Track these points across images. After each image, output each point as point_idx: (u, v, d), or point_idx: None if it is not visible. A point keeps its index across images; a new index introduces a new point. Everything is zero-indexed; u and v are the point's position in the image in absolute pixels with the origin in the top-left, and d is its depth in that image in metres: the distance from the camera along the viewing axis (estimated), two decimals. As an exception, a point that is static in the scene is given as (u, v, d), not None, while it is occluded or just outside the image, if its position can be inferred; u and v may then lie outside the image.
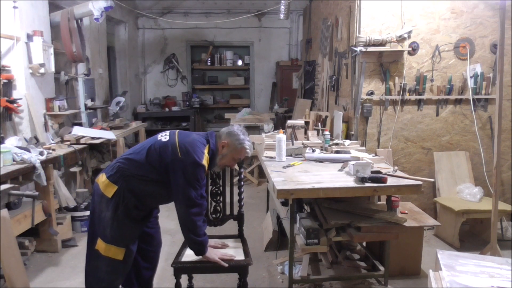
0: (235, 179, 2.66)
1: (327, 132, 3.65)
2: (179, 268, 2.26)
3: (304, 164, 3.03)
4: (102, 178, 2.17)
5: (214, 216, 2.60)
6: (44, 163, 3.22)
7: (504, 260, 2.01)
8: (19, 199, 3.02)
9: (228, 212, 2.62)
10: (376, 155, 3.34)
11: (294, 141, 3.59)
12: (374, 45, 3.66)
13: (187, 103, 7.75)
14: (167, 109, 7.61)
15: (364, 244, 3.24)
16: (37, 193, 2.46)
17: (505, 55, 3.38)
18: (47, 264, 3.27)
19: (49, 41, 4.09)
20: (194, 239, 2.16)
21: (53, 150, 3.59)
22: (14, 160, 3.02)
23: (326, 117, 4.42)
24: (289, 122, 3.84)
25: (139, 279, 2.41)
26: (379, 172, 2.62)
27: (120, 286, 2.39)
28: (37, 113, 3.85)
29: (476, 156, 3.95)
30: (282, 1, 5.79)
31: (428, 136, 3.94)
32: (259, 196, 5.11)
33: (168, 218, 4.06)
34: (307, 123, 4.24)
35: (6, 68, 3.57)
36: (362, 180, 2.47)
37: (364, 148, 3.60)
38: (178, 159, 2.07)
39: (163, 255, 3.32)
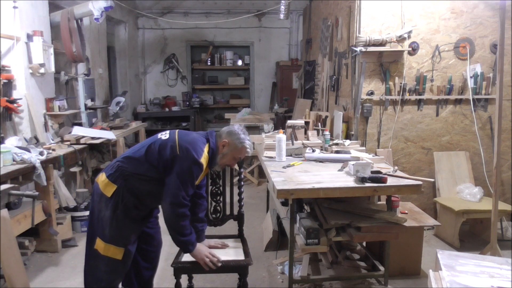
0: (235, 179, 2.66)
1: (327, 132, 3.65)
2: (179, 268, 2.26)
3: (304, 164, 3.03)
4: (101, 178, 2.17)
5: (214, 216, 2.60)
6: (44, 163, 3.22)
7: (504, 260, 2.01)
8: (19, 199, 3.02)
9: (228, 212, 2.62)
10: (376, 155, 3.34)
11: (294, 141, 3.59)
12: (374, 45, 3.66)
13: (187, 103, 7.75)
14: (167, 109, 7.61)
15: (364, 244, 3.24)
16: (37, 193, 2.46)
17: (505, 55, 3.38)
18: (47, 264, 3.27)
19: (49, 41, 4.09)
20: (178, 238, 2.15)
21: (53, 150, 3.59)
22: (14, 160, 3.02)
23: (326, 117, 4.42)
24: (289, 122, 3.84)
25: (139, 279, 2.40)
26: (379, 172, 2.62)
27: (121, 286, 2.39)
28: (37, 113, 3.85)
29: (476, 156, 3.95)
30: (282, 1, 5.79)
31: (428, 136, 3.94)
32: (259, 196, 5.11)
33: (168, 218, 4.05)
34: (307, 123, 4.24)
35: (6, 68, 3.57)
36: (362, 180, 2.47)
37: (364, 148, 3.60)
38: (177, 155, 2.07)
39: (163, 255, 3.32)
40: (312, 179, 2.56)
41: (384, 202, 2.80)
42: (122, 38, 7.05)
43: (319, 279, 2.84)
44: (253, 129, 5.68)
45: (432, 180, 3.61)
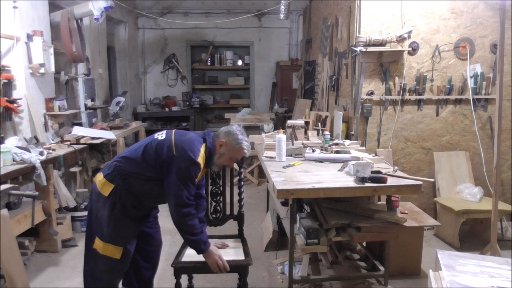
0: (235, 179, 2.66)
1: (327, 132, 3.65)
2: (179, 268, 2.26)
3: (304, 164, 3.03)
4: (99, 177, 2.18)
5: (214, 216, 2.60)
6: (44, 163, 3.22)
7: (504, 260, 2.01)
8: (19, 199, 3.02)
9: (228, 212, 2.62)
10: (376, 155, 3.34)
11: (294, 141, 3.59)
12: (374, 45, 3.66)
13: (187, 103, 7.75)
14: (167, 109, 7.61)
15: (364, 244, 3.24)
16: (37, 193, 2.46)
17: (505, 55, 3.38)
18: (47, 264, 3.27)
19: (49, 41, 4.09)
20: (189, 238, 2.16)
21: (53, 150, 3.59)
22: (14, 160, 3.02)
23: (326, 117, 4.42)
24: (289, 122, 3.84)
25: (138, 279, 2.40)
26: (379, 172, 2.62)
27: (121, 286, 2.39)
28: (37, 113, 3.85)
29: (476, 156, 3.95)
30: (282, 1, 5.79)
31: (428, 136, 3.94)
32: (259, 196, 5.10)
33: (168, 218, 4.02)
34: (307, 123, 4.25)
35: (6, 68, 3.57)
36: (362, 180, 2.47)
37: (364, 148, 3.60)
38: (173, 156, 2.07)
39: (163, 255, 3.32)
40: (312, 179, 2.56)
41: (384, 202, 2.80)
42: (122, 38, 7.05)
43: (319, 279, 2.84)
44: (253, 129, 5.68)
45: (432, 180, 3.60)
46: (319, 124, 4.41)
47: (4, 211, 2.28)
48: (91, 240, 2.17)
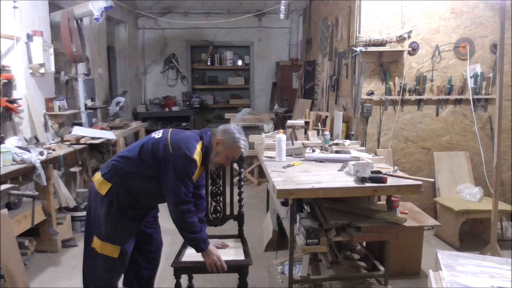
0: (235, 179, 2.66)
1: (327, 132, 3.65)
2: (179, 268, 2.26)
3: (304, 164, 3.03)
4: (97, 176, 2.20)
5: (214, 216, 2.59)
6: (44, 163, 3.22)
7: (504, 260, 2.01)
8: (19, 199, 3.02)
9: (228, 212, 2.62)
10: (376, 155, 3.34)
11: (294, 141, 3.59)
12: (374, 45, 3.66)
13: (187, 103, 7.75)
14: (167, 109, 7.61)
15: (364, 244, 3.24)
16: (37, 193, 2.46)
17: (505, 55, 3.38)
18: (47, 264, 3.27)
19: (49, 41, 4.09)
20: (188, 236, 2.16)
21: (53, 150, 3.59)
22: (14, 160, 3.02)
23: (326, 117, 4.42)
24: (289, 122, 3.84)
25: (139, 279, 2.41)
26: (379, 172, 2.62)
27: (122, 286, 2.39)
28: (37, 113, 3.85)
29: (476, 156, 3.95)
30: (282, 1, 5.79)
31: (428, 136, 3.94)
32: (259, 196, 5.10)
33: (168, 218, 4.02)
34: (307, 123, 4.25)
35: (6, 68, 3.57)
36: (362, 180, 2.47)
37: (364, 148, 3.60)
38: (169, 154, 2.07)
39: (163, 255, 3.31)
40: (312, 179, 2.56)
41: (384, 202, 2.80)
42: (122, 38, 7.05)
43: (319, 279, 2.84)
44: (253, 129, 5.68)
45: (432, 180, 3.60)
46: (319, 124, 4.41)
47: (4, 211, 2.28)
48: (90, 239, 2.18)
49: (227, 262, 2.22)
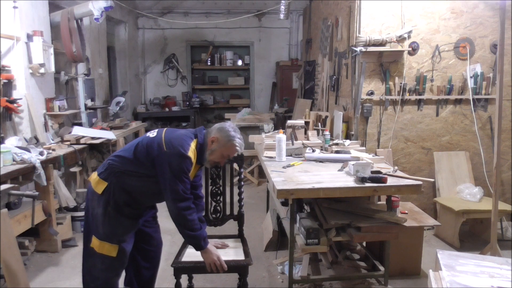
0: (235, 179, 2.66)
1: (327, 132, 3.65)
2: (179, 268, 2.26)
3: (304, 164, 3.03)
4: (93, 176, 2.22)
5: (214, 216, 2.59)
6: (44, 163, 3.22)
7: (504, 260, 2.01)
8: (19, 199, 3.02)
9: (228, 212, 2.62)
10: (376, 155, 3.34)
11: (294, 141, 3.59)
12: (374, 45, 3.66)
13: (187, 103, 7.75)
14: (167, 109, 7.61)
15: (364, 244, 3.24)
16: (37, 193, 2.46)
17: (505, 55, 3.38)
18: (47, 264, 3.27)
19: (49, 41, 4.09)
20: (188, 233, 2.16)
21: (53, 150, 3.59)
22: (14, 160, 3.02)
23: (326, 117, 4.42)
24: (289, 122, 3.84)
25: (139, 279, 2.41)
26: (379, 172, 2.62)
27: (123, 286, 2.39)
28: (37, 113, 3.85)
29: (476, 156, 3.95)
30: (282, 1, 5.79)
31: (428, 136, 3.94)
32: (259, 196, 5.10)
33: (168, 218, 4.01)
34: (307, 123, 4.25)
35: (6, 68, 3.57)
36: (362, 180, 2.47)
37: (364, 148, 3.60)
38: (164, 152, 2.08)
39: (163, 255, 3.31)
40: (312, 179, 2.56)
41: (384, 202, 2.80)
42: (122, 38, 7.05)
43: (319, 279, 2.84)
44: (253, 129, 5.68)
45: (432, 180, 3.61)
46: (319, 124, 4.41)
47: (4, 211, 2.28)
48: (89, 239, 2.19)
49: (227, 262, 2.22)
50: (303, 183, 2.48)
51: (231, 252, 2.40)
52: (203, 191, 2.54)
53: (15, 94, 3.59)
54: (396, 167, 2.83)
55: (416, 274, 3.07)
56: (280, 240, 3.46)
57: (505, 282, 1.78)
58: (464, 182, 3.81)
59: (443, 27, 3.80)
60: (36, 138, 3.64)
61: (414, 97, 3.84)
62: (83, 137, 4.06)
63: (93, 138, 4.17)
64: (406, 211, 3.19)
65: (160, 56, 7.85)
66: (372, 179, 2.47)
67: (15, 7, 3.54)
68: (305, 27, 6.84)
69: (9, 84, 3.51)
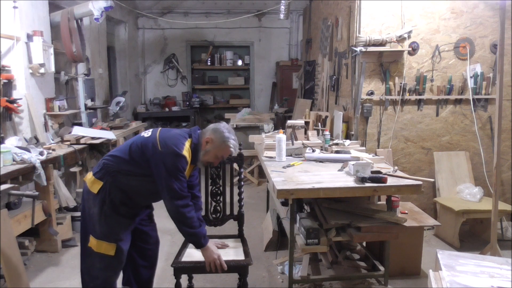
0: (235, 179, 2.66)
1: (327, 132, 3.65)
2: (179, 268, 2.25)
3: (304, 164, 3.03)
4: (88, 176, 2.22)
5: (214, 216, 2.60)
6: (44, 163, 3.22)
7: (504, 260, 2.01)
8: (19, 199, 3.02)
9: (228, 212, 2.62)
10: (376, 155, 3.34)
11: (294, 141, 3.59)
12: (374, 45, 3.66)
13: (187, 103, 7.75)
14: (167, 109, 7.61)
15: (364, 244, 3.24)
16: (37, 193, 2.46)
17: (505, 55, 3.38)
18: (47, 264, 3.27)
19: (49, 41, 4.09)
20: (188, 231, 2.17)
21: (53, 150, 3.59)
22: (14, 160, 3.02)
23: (326, 117, 4.42)
24: (289, 122, 3.84)
25: (137, 278, 2.41)
26: (379, 172, 2.62)
27: (121, 286, 2.39)
28: (37, 113, 3.85)
29: (476, 156, 3.95)
30: (282, 1, 5.79)
31: (428, 136, 3.94)
32: (259, 196, 5.10)
33: (167, 218, 4.02)
34: (307, 123, 4.24)
35: (6, 68, 3.57)
36: (362, 180, 2.47)
37: (364, 148, 3.60)
38: (158, 152, 2.09)
39: (163, 255, 3.33)
40: (312, 179, 2.56)
41: (384, 202, 2.80)
42: (122, 38, 7.05)
43: (319, 279, 2.84)
44: (253, 129, 5.68)
45: (432, 180, 3.61)
46: (319, 124, 4.41)
47: (4, 211, 2.28)
48: (86, 238, 2.19)
49: (227, 262, 2.22)
50: (303, 183, 2.48)
51: (231, 252, 2.40)
52: (202, 191, 2.54)
53: (15, 94, 3.59)
54: (396, 167, 2.83)
55: (416, 274, 3.07)
56: (280, 240, 3.46)
57: (505, 282, 1.78)
58: (464, 182, 3.81)
59: (443, 27, 3.80)
60: (36, 138, 3.64)
61: (414, 97, 3.84)
62: (83, 137, 4.06)
63: (93, 138, 4.17)
64: (406, 211, 3.19)
65: (160, 56, 7.85)
66: (372, 179, 2.47)
67: (15, 7, 3.54)
68: (305, 27, 6.84)
69: (9, 84, 3.51)
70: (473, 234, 3.83)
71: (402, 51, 3.74)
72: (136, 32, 7.59)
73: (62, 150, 3.65)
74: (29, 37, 3.74)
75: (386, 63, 3.79)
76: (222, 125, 2.26)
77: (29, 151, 3.18)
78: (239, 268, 2.28)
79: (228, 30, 7.77)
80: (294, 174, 2.73)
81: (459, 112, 3.92)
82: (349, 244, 3.14)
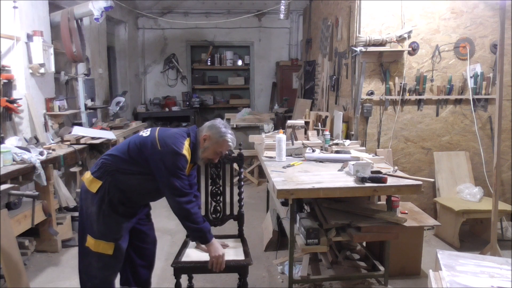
0: (235, 179, 2.66)
1: (327, 132, 3.65)
2: (179, 268, 2.26)
3: (304, 164, 3.03)
4: (86, 175, 2.22)
5: (214, 216, 2.59)
6: (44, 163, 3.22)
7: (504, 260, 2.01)
8: (19, 199, 3.01)
9: (228, 212, 2.62)
10: (376, 155, 3.34)
11: (294, 141, 3.59)
12: (374, 45, 3.66)
13: (187, 103, 7.75)
14: (167, 109, 7.61)
15: (364, 244, 3.24)
16: (37, 193, 2.46)
17: (505, 55, 3.38)
18: (47, 264, 3.27)
19: (49, 41, 4.09)
20: (193, 227, 2.18)
21: (53, 150, 3.59)
22: (14, 160, 3.02)
23: (326, 117, 4.42)
24: (289, 122, 3.83)
25: (135, 277, 2.41)
26: (379, 172, 2.62)
27: (120, 286, 2.39)
28: (37, 113, 3.85)
29: (476, 156, 3.95)
30: (282, 1, 5.79)
31: (428, 136, 3.94)
32: (259, 196, 5.10)
33: (168, 218, 4.06)
34: (307, 123, 4.24)
35: (6, 68, 3.57)
36: (362, 180, 2.47)
37: (364, 148, 3.60)
38: (158, 151, 2.10)
39: (163, 255, 3.33)
40: (312, 179, 2.56)
41: (384, 202, 2.80)
42: (122, 38, 7.05)
43: (319, 279, 2.84)
44: (253, 129, 5.68)
45: (432, 180, 3.61)
46: (319, 124, 4.41)
47: (4, 211, 2.29)
48: (84, 238, 2.19)
49: (227, 262, 2.22)
50: (303, 183, 2.48)
51: (231, 252, 2.40)
52: (202, 191, 2.54)
53: (15, 94, 3.59)
54: (396, 167, 2.83)
55: (416, 274, 3.07)
56: (280, 240, 3.46)
57: (505, 282, 1.78)
58: (464, 182, 3.81)
59: (443, 27, 3.80)
60: (36, 138, 3.64)
61: (414, 97, 3.84)
62: (83, 137, 4.06)
63: (93, 138, 4.17)
64: (406, 211, 3.19)
65: (160, 56, 7.85)
66: (372, 179, 2.47)
67: (15, 7, 3.54)
68: (305, 27, 6.84)
69: (9, 84, 3.51)
70: (473, 234, 3.83)
71: (402, 51, 3.74)
72: (136, 32, 7.59)
73: (62, 150, 3.65)
74: (29, 37, 3.74)
75: (386, 63, 3.79)
76: (218, 121, 2.28)
77: (29, 151, 3.18)
78: (239, 268, 2.28)
79: (228, 30, 7.77)
80: (294, 174, 2.73)
81: (459, 112, 3.92)
82: (349, 244, 3.14)
